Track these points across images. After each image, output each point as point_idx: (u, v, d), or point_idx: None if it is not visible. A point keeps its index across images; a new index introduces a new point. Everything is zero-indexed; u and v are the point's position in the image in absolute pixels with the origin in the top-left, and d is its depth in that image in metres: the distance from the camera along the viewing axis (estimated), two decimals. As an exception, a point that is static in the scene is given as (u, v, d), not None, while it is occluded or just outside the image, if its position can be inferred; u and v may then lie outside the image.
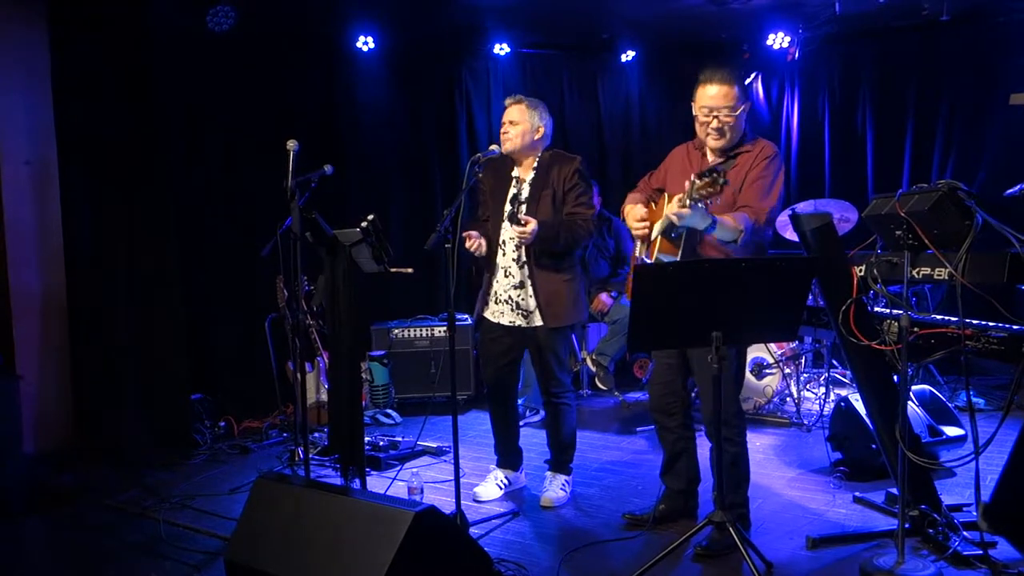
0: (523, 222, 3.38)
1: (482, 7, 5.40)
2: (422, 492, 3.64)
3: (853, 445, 3.87)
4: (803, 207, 5.30)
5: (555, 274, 3.53)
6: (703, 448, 3.40)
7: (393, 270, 3.50)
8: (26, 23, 4.38)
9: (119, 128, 4.42)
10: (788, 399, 5.04)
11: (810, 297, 3.55)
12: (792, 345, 4.99)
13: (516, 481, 3.86)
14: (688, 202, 2.82)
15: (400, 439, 4.59)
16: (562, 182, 3.51)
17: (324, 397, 4.88)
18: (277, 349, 4.86)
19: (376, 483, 3.90)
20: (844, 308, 2.86)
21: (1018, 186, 4.20)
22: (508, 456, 3.85)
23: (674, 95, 6.52)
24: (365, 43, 5.73)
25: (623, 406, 5.44)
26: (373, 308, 5.55)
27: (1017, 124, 5.54)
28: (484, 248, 3.61)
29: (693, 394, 3.48)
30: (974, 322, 2.65)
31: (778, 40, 6.05)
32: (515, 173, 3.62)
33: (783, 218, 4.69)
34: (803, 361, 5.16)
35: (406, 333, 5.48)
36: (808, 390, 5.27)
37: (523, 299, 3.57)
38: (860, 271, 2.91)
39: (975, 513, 2.89)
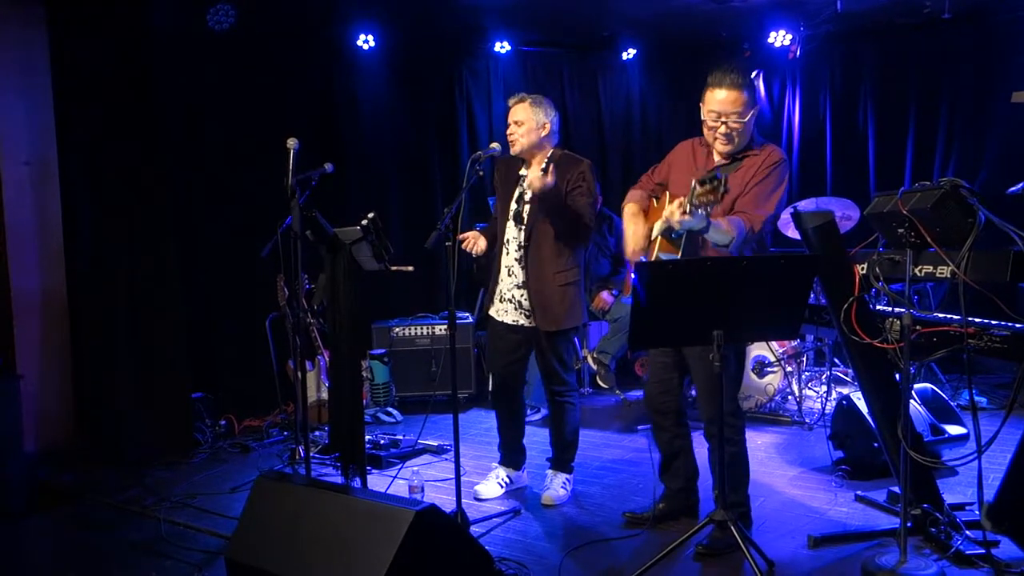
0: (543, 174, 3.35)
1: (483, 6, 5.40)
2: (423, 491, 3.64)
3: (855, 444, 3.87)
4: (805, 205, 5.29)
5: (552, 277, 3.51)
6: (700, 446, 3.40)
7: (394, 268, 3.50)
8: (25, 23, 4.37)
9: (119, 128, 4.41)
10: (790, 397, 5.04)
11: (812, 295, 3.55)
12: (794, 343, 4.98)
13: (518, 480, 3.86)
14: (688, 208, 2.79)
15: (401, 437, 4.59)
16: (566, 182, 3.50)
17: (325, 395, 4.88)
18: (278, 348, 4.86)
19: (377, 481, 3.89)
20: (846, 306, 2.85)
21: (1020, 184, 4.18)
22: (512, 454, 3.85)
23: (675, 93, 6.52)
24: (366, 41, 5.72)
25: (624, 404, 5.44)
26: (374, 306, 5.55)
27: (1019, 122, 5.53)
28: (481, 246, 3.61)
29: (692, 393, 3.48)
30: (977, 320, 2.64)
31: (779, 38, 6.04)
32: (523, 172, 3.61)
33: (785, 216, 4.68)
34: (805, 359, 5.15)
35: (407, 331, 5.47)
36: (810, 388, 5.26)
37: (525, 298, 3.57)
38: (862, 269, 2.90)
39: (977, 512, 2.88)
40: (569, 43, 6.39)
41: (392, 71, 5.94)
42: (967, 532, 2.95)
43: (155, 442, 4.44)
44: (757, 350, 4.92)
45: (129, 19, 4.42)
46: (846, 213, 5.18)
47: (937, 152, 5.87)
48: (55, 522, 3.71)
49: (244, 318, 5.21)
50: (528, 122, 3.52)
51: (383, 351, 5.35)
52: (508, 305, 3.62)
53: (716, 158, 3.16)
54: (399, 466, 4.19)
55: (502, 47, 6.12)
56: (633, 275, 2.78)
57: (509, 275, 3.61)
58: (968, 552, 2.87)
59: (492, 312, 3.68)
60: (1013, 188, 4.21)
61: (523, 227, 3.55)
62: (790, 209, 4.54)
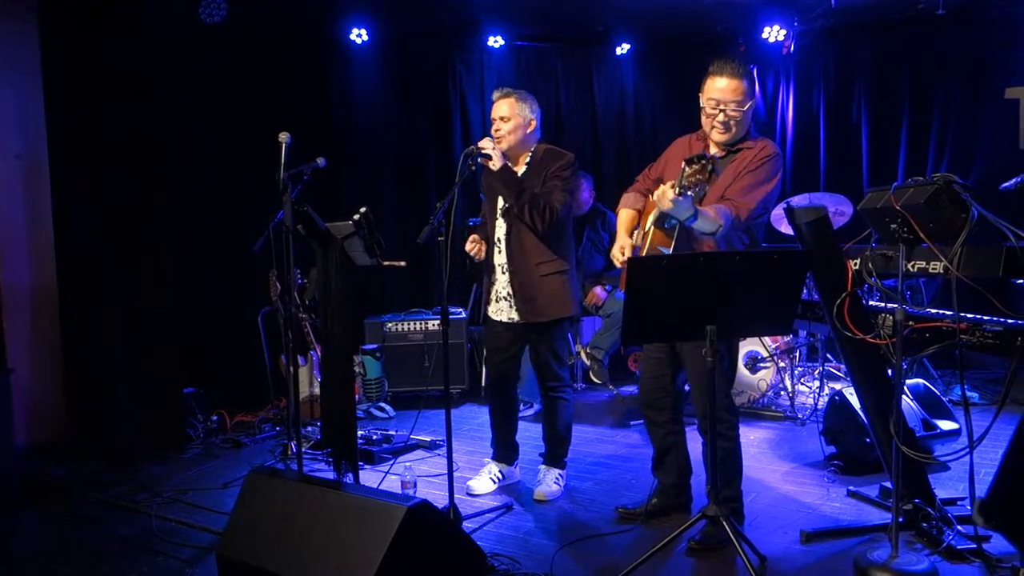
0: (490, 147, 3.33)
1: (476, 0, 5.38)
2: (415, 486, 3.63)
3: (847, 439, 3.87)
4: (798, 200, 5.27)
5: (534, 267, 3.49)
6: (693, 442, 3.40)
7: (386, 263, 3.48)
8: (15, 17, 4.33)
9: (110, 122, 4.38)
10: (782, 393, 5.04)
11: (804, 291, 3.55)
12: (787, 339, 4.99)
13: (510, 475, 3.86)
14: (679, 189, 2.80)
15: (393, 433, 4.58)
16: (545, 174, 3.47)
17: (317, 391, 4.87)
18: (270, 343, 4.84)
19: (369, 477, 3.88)
20: (839, 302, 2.85)
21: (1014, 180, 4.18)
22: (504, 450, 3.84)
23: (669, 88, 6.51)
24: (359, 35, 5.69)
25: (617, 400, 5.44)
26: (367, 301, 5.53)
27: (1012, 118, 5.54)
28: (484, 253, 3.60)
29: (686, 388, 3.48)
30: (969, 316, 2.64)
31: (773, 33, 6.03)
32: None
33: (778, 211, 4.68)
34: (798, 355, 5.16)
35: (400, 327, 5.46)
36: (802, 384, 5.27)
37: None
38: (855, 264, 2.90)
39: (969, 507, 2.89)
40: (563, 38, 6.37)
41: (385, 65, 5.91)
42: (959, 527, 2.96)
43: (147, 437, 4.42)
44: (750, 345, 4.92)
45: (120, 12, 4.39)
46: (839, 208, 5.18)
47: (930, 148, 5.88)
48: (46, 517, 3.69)
49: (236, 313, 5.18)
50: (515, 118, 3.49)
51: (375, 346, 5.34)
52: (503, 303, 3.61)
53: (713, 150, 3.16)
54: (391, 461, 4.18)
55: (495, 41, 6.10)
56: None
57: (503, 273, 3.60)
58: (960, 547, 2.88)
59: (490, 313, 3.68)
60: (1006, 184, 4.21)
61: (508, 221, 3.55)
62: (783, 204, 4.54)
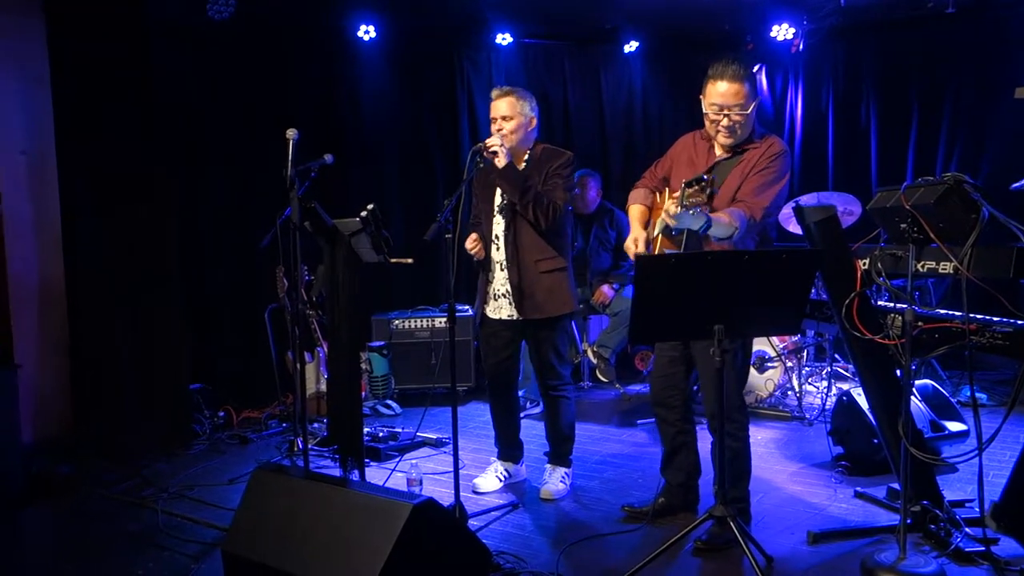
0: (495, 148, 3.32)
1: (485, -3, 5.37)
2: (421, 484, 3.63)
3: (855, 439, 3.86)
4: (807, 200, 5.26)
5: (534, 264, 3.49)
6: (703, 441, 3.38)
7: (393, 260, 3.47)
8: (22, 13, 4.33)
9: (117, 117, 4.39)
10: (790, 393, 5.02)
11: (812, 290, 3.53)
12: (794, 338, 4.97)
13: (516, 473, 3.85)
14: (679, 209, 2.79)
15: (400, 430, 4.58)
16: (545, 173, 3.47)
17: (324, 387, 4.87)
18: (277, 339, 4.84)
19: (375, 474, 3.88)
20: (847, 302, 2.84)
21: (1024, 179, 4.16)
22: (509, 449, 3.84)
23: (677, 86, 6.49)
24: (366, 32, 5.69)
25: (624, 398, 5.43)
26: (374, 298, 5.53)
27: (1022, 118, 5.50)
28: (483, 251, 3.59)
29: (695, 388, 3.47)
30: (979, 317, 2.63)
31: (782, 32, 6.01)
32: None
33: (787, 211, 4.66)
34: (805, 355, 5.14)
35: (407, 324, 5.46)
36: (810, 384, 5.25)
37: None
38: (864, 264, 2.89)
39: (977, 509, 2.87)
40: (571, 35, 6.35)
41: (393, 62, 5.90)
42: (967, 529, 2.94)
43: (153, 433, 4.42)
44: (758, 345, 4.90)
45: (128, 7, 4.39)
46: (848, 208, 5.15)
47: (940, 147, 5.85)
48: (52, 513, 3.70)
49: (243, 309, 5.19)
50: (517, 117, 3.48)
51: (382, 343, 5.34)
52: (502, 301, 3.60)
53: (718, 151, 3.15)
54: (398, 459, 4.18)
55: (503, 39, 6.09)
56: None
57: (501, 270, 3.58)
58: (968, 549, 2.86)
59: (488, 312, 3.66)
60: (1016, 184, 4.19)
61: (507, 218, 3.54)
62: (792, 204, 4.52)
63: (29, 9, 4.35)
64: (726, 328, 2.72)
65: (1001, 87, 5.57)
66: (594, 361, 5.44)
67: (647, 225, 3.28)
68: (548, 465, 3.77)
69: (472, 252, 3.57)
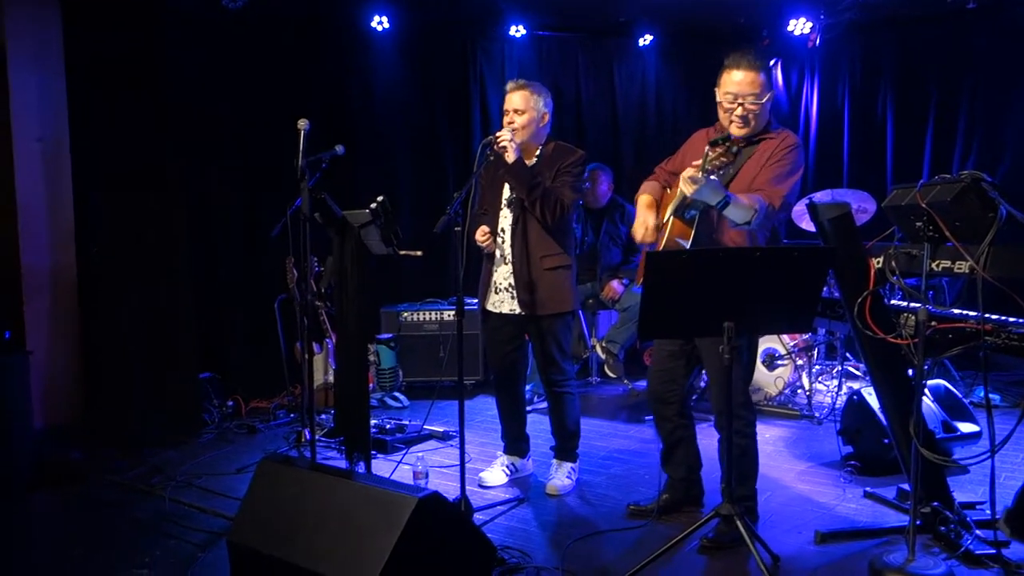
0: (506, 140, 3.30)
1: (499, -13, 5.35)
2: (427, 476, 3.62)
3: (865, 439, 3.83)
4: (821, 196, 5.21)
5: (539, 260, 3.47)
6: (703, 436, 3.36)
7: (402, 253, 3.47)
8: (39, 4, 4.35)
9: (131, 107, 4.40)
10: (800, 391, 4.99)
11: (824, 288, 3.50)
12: (805, 336, 4.93)
13: (523, 468, 3.84)
14: (702, 174, 2.74)
15: (407, 422, 4.58)
16: (556, 169, 3.44)
17: (332, 379, 4.87)
18: (286, 330, 4.85)
19: (382, 466, 3.88)
20: (860, 300, 2.80)
21: (1042, 178, 4.11)
22: (515, 443, 3.83)
23: (691, 81, 6.44)
24: (380, 23, 5.67)
25: (632, 394, 5.41)
26: (383, 291, 5.52)
27: (1041, 115, 5.44)
28: (494, 246, 3.57)
29: (703, 383, 3.45)
30: (994, 317, 2.59)
31: (799, 26, 5.94)
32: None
33: (800, 207, 4.62)
34: (816, 353, 5.10)
35: (415, 316, 5.45)
36: (820, 382, 5.21)
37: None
38: (878, 263, 2.85)
39: (988, 512, 2.84)
40: (585, 28, 6.31)
41: (405, 53, 5.88)
42: (977, 531, 2.91)
43: (162, 421, 4.45)
44: (768, 342, 4.87)
45: (142, -2, 4.41)
46: (862, 205, 5.10)
47: (957, 145, 5.78)
48: (61, 499, 3.72)
49: (253, 299, 5.20)
50: (529, 111, 3.45)
51: (390, 336, 5.33)
52: (504, 295, 3.59)
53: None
54: (404, 451, 4.18)
55: (517, 31, 6.06)
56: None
57: (506, 263, 3.56)
58: (978, 552, 2.82)
59: (488, 305, 3.65)
60: (1034, 183, 4.14)
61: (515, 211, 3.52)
62: (805, 200, 4.47)
63: (45, 0, 4.36)
64: (737, 325, 2.69)
65: (1020, 84, 5.50)
66: (603, 356, 5.42)
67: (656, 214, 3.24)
68: (554, 460, 3.76)
69: (482, 244, 3.54)
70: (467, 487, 3.20)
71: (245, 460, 4.07)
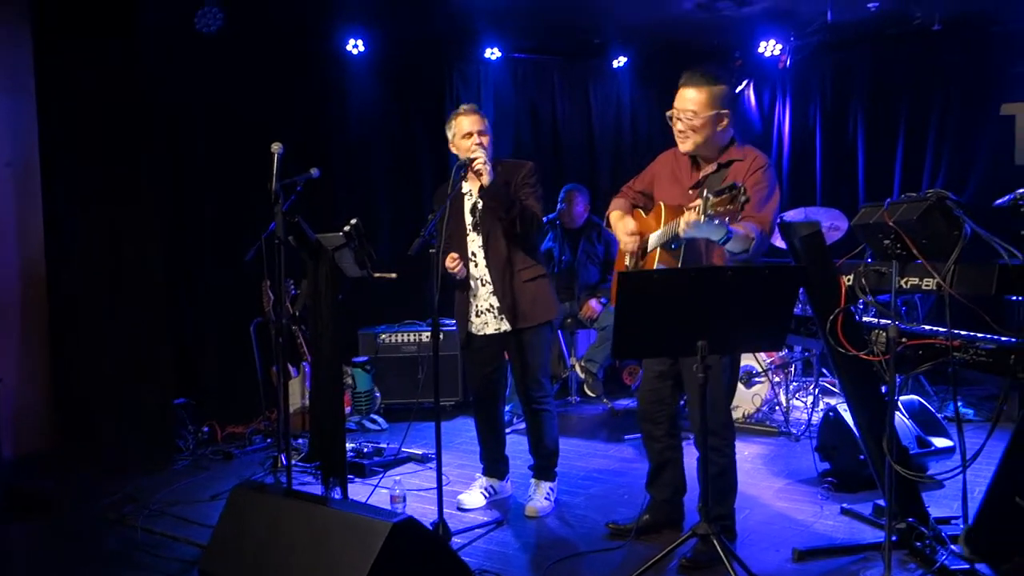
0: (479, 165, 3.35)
1: (473, 11, 5.38)
2: (405, 500, 3.59)
3: (841, 455, 3.84)
4: (793, 215, 5.27)
5: (517, 273, 3.52)
6: (690, 458, 3.36)
7: (377, 275, 3.46)
8: (8, 23, 4.33)
9: (103, 130, 4.37)
10: (777, 408, 5.01)
11: (798, 306, 3.53)
12: (782, 353, 4.96)
13: (502, 489, 3.82)
14: (703, 218, 2.69)
15: (385, 445, 4.54)
16: (514, 185, 3.50)
17: (308, 402, 4.83)
18: (262, 354, 4.80)
19: (359, 490, 3.84)
20: (832, 318, 2.83)
21: (1008, 196, 4.17)
22: (494, 464, 3.81)
23: (665, 101, 6.35)
24: (355, 46, 5.69)
25: (611, 413, 5.41)
26: (361, 313, 5.50)
27: (1008, 133, 5.53)
28: (465, 271, 3.58)
29: (682, 403, 3.44)
30: (962, 333, 2.62)
31: (769, 47, 6.04)
32: (466, 188, 3.60)
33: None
34: (792, 370, 5.13)
35: (393, 338, 5.43)
36: (797, 399, 5.24)
37: (497, 302, 3.55)
38: (848, 280, 2.88)
39: (962, 526, 2.86)
40: (560, 50, 6.37)
41: (381, 76, 5.91)
42: (952, 547, 2.92)
43: (136, 448, 4.38)
44: (744, 360, 4.89)
45: (116, 21, 4.39)
46: (835, 224, 5.16)
47: (926, 163, 5.88)
48: (31, 529, 3.65)
49: (228, 323, 5.15)
50: (487, 135, 3.54)
51: (365, 358, 5.30)
52: (486, 316, 3.60)
53: (702, 165, 3.13)
54: (382, 475, 4.14)
55: (492, 53, 6.10)
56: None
57: (483, 285, 3.58)
58: (953, 567, 2.84)
59: (472, 330, 3.65)
60: (1000, 200, 4.20)
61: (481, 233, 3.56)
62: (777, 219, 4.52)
63: (16, 19, 4.33)
64: (709, 344, 2.70)
65: (988, 103, 5.61)
66: (582, 376, 5.42)
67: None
68: (533, 480, 3.74)
69: (453, 271, 3.54)
70: (445, 510, 3.18)
71: (220, 487, 4.01)
